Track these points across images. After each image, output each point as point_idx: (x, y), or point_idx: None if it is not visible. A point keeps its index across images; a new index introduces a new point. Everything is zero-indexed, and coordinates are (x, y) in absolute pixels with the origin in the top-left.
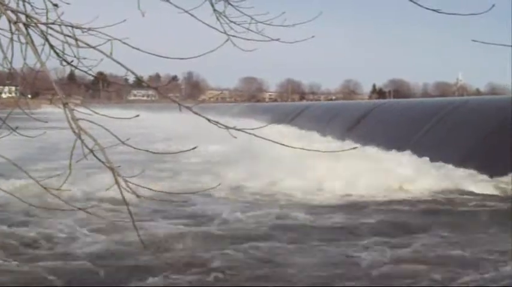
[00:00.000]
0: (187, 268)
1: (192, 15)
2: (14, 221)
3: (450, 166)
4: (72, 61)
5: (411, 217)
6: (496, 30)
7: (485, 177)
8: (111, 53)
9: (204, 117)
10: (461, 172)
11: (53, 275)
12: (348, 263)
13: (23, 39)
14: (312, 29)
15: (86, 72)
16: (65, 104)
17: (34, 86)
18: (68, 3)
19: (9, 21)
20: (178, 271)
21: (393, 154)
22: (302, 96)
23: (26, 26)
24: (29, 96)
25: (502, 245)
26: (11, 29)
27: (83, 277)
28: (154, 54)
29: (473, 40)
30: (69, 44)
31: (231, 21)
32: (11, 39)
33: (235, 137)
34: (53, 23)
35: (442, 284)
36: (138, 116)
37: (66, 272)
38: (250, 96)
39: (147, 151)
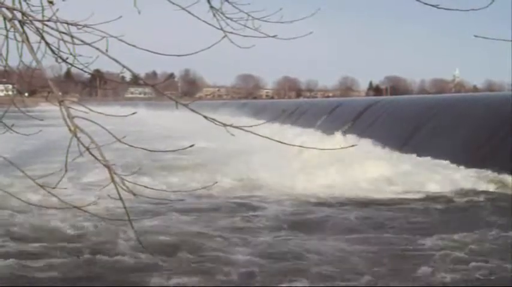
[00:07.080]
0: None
1: (188, 12)
2: None
3: (447, 163)
4: (67, 58)
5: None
6: (494, 26)
7: (483, 174)
8: (106, 50)
9: (201, 114)
10: (459, 169)
11: None
12: None
13: (18, 37)
14: (309, 26)
15: (82, 69)
16: (60, 102)
17: (30, 84)
18: (63, 0)
19: (5, 19)
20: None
21: (389, 152)
22: (299, 94)
23: (22, 23)
24: (26, 94)
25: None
26: (6, 27)
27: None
28: (150, 51)
29: (475, 35)
30: (65, 41)
31: (228, 18)
32: (7, 37)
33: (233, 135)
34: (48, 20)
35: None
36: (135, 113)
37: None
38: (247, 94)
39: (144, 148)
